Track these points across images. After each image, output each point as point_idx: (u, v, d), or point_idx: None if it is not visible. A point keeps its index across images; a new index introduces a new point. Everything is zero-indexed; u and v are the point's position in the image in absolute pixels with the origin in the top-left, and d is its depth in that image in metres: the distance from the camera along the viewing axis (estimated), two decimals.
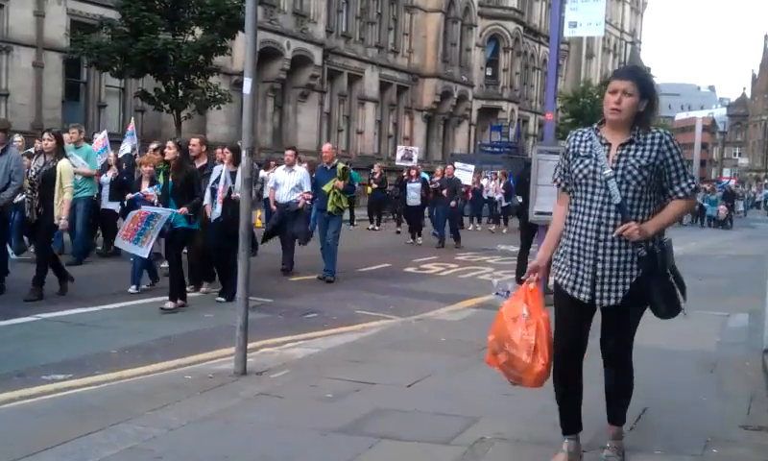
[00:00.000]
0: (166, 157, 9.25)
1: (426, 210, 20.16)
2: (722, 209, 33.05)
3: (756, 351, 6.76)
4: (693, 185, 3.89)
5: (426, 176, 21.37)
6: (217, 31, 20.37)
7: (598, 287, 3.85)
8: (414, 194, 19.53)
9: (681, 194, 3.87)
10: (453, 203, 19.62)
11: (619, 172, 3.80)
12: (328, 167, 12.01)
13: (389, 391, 5.73)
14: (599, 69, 64.64)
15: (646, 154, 3.81)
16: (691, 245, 22.47)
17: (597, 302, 3.88)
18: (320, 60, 33.23)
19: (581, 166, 3.91)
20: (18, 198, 9.74)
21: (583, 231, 3.87)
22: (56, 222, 9.15)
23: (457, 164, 23.66)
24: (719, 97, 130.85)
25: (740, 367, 6.61)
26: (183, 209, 8.87)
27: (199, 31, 20.89)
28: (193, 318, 8.65)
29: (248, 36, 6.01)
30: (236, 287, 6.20)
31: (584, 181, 3.89)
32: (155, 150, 11.24)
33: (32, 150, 9.77)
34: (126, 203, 11.64)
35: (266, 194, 13.27)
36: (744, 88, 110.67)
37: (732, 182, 51.06)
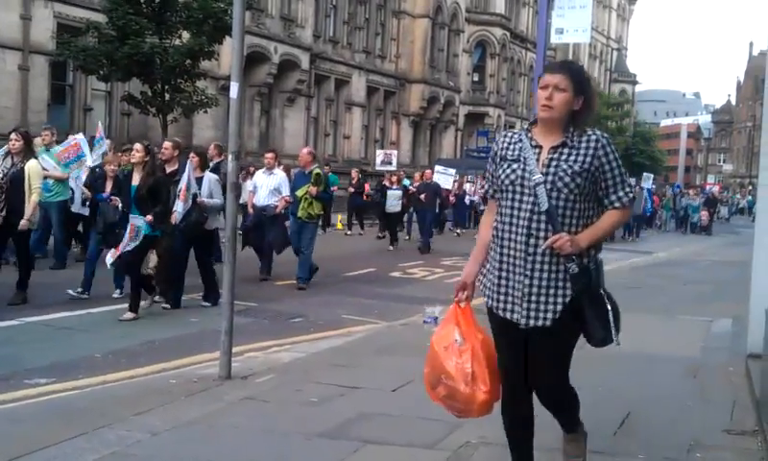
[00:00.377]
0: (132, 161, 8.77)
1: (406, 217, 20.03)
2: (704, 215, 33.22)
3: (740, 356, 6.80)
4: (631, 195, 3.53)
5: (407, 182, 21.29)
6: (204, 35, 20.33)
7: (526, 306, 3.44)
8: (394, 201, 19.41)
9: (617, 204, 3.49)
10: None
11: (549, 178, 3.42)
12: (306, 172, 11.85)
13: (374, 395, 5.73)
14: None
15: (580, 158, 3.43)
16: (675, 250, 22.63)
17: (524, 322, 3.45)
18: (307, 64, 33.21)
19: (508, 171, 3.52)
20: None
21: (512, 244, 3.47)
22: (21, 222, 8.77)
23: (437, 168, 23.62)
24: (704, 104, 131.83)
25: (724, 372, 6.65)
26: (149, 218, 8.42)
27: (186, 35, 20.85)
28: (178, 322, 8.61)
29: (235, 41, 6.02)
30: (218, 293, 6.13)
31: (510, 187, 3.49)
32: (123, 151, 10.78)
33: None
34: (89, 203, 11.31)
35: (243, 199, 12.70)
36: (729, 95, 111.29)
37: (716, 189, 51.26)
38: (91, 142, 12.73)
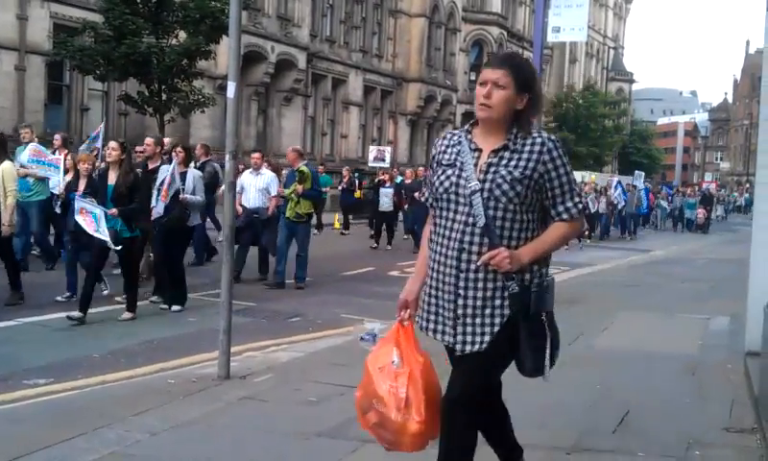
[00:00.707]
0: (108, 159, 8.52)
1: (400, 215, 19.95)
2: (700, 213, 33.23)
3: (738, 354, 6.80)
4: (580, 206, 3.15)
5: (400, 179, 21.20)
6: (201, 34, 20.30)
7: (460, 329, 3.08)
8: (386, 199, 19.31)
9: (564, 215, 3.12)
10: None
11: (487, 185, 3.04)
12: (294, 170, 11.69)
13: None
14: (582, 74, 65.11)
15: (522, 163, 3.05)
16: (672, 248, 22.66)
17: (459, 348, 3.09)
18: (304, 64, 33.22)
19: (442, 178, 3.15)
20: None
21: (442, 259, 3.12)
22: (3, 229, 8.56)
23: None
24: (701, 102, 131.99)
25: (722, 370, 6.65)
26: (114, 211, 8.12)
27: (183, 34, 20.83)
28: (176, 322, 8.61)
29: (232, 40, 6.01)
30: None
31: (445, 195, 3.13)
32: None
33: None
34: (61, 202, 10.62)
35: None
36: (726, 93, 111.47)
37: (713, 186, 51.27)
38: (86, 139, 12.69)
